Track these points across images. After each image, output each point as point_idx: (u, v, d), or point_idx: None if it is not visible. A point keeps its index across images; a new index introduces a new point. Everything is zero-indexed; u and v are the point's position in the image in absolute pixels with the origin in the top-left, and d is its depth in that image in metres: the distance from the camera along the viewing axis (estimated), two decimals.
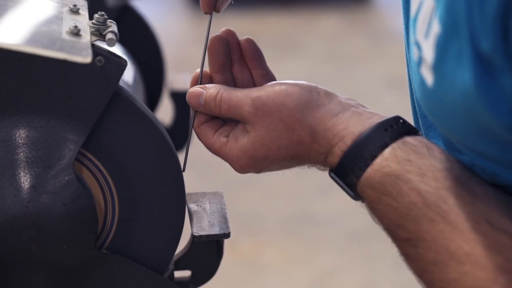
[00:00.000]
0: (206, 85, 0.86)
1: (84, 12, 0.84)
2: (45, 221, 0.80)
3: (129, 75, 1.21)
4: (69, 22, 0.78)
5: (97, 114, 0.80)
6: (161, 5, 5.63)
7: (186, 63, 3.10)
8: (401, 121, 0.77)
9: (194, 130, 0.87)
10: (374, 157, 0.75)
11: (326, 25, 5.29)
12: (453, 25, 0.64)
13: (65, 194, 0.80)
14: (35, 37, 0.75)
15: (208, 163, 1.60)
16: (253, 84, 0.88)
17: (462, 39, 0.63)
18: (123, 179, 0.83)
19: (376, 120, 0.78)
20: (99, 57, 0.78)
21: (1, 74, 0.78)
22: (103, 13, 0.81)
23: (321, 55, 4.74)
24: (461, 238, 0.69)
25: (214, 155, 0.87)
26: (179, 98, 1.37)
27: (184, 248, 0.91)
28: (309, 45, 4.91)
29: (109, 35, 0.79)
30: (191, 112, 0.87)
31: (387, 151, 0.75)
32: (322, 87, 0.82)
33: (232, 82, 0.88)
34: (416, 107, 0.83)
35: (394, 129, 0.76)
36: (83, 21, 0.81)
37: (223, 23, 0.92)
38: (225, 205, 0.93)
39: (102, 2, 1.34)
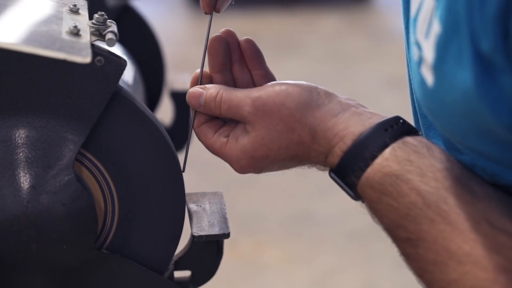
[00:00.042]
0: (206, 85, 0.86)
1: (84, 12, 0.84)
2: (45, 221, 0.80)
3: (129, 75, 1.21)
4: (69, 22, 0.78)
5: (97, 114, 0.80)
6: (161, 5, 5.63)
7: (186, 63, 3.10)
8: (401, 121, 0.77)
9: (194, 131, 0.87)
10: (374, 157, 0.75)
11: (326, 25, 5.29)
12: (454, 25, 0.64)
13: (65, 194, 0.80)
14: (34, 37, 0.74)
15: (208, 163, 1.60)
16: (253, 84, 0.88)
17: (463, 39, 0.63)
18: (123, 179, 0.83)
19: (376, 120, 0.78)
20: (98, 57, 0.78)
21: (1, 74, 0.78)
22: (103, 13, 0.81)
23: (321, 55, 4.74)
24: (461, 238, 0.69)
25: (214, 155, 0.87)
26: (179, 98, 1.37)
27: (184, 248, 0.91)
28: (309, 45, 4.91)
29: (109, 35, 0.79)
30: (191, 113, 0.87)
31: (387, 151, 0.75)
32: (322, 87, 0.82)
33: (232, 83, 0.88)
34: (416, 107, 0.83)
35: (394, 129, 0.76)
36: (83, 21, 0.81)
37: (223, 23, 0.92)
38: (225, 205, 0.93)
39: (102, 2, 1.34)
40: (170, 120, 1.38)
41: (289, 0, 5.71)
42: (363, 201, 0.78)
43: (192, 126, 0.87)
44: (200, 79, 0.87)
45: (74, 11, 0.83)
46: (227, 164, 0.85)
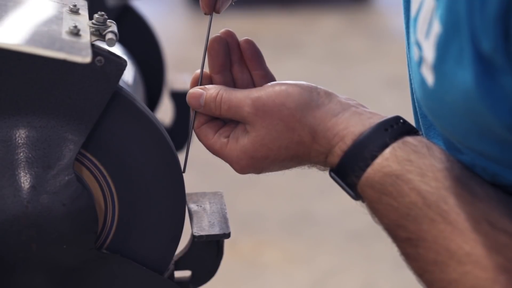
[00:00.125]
0: (206, 86, 0.86)
1: (84, 12, 0.84)
2: (45, 221, 0.80)
3: (129, 75, 1.21)
4: (69, 22, 0.78)
5: (97, 114, 0.80)
6: (161, 5, 5.63)
7: (186, 63, 3.10)
8: (401, 121, 0.77)
9: (194, 131, 0.87)
10: (374, 157, 0.75)
11: (326, 25, 5.29)
12: (454, 25, 0.64)
13: (65, 194, 0.80)
14: (35, 37, 0.74)
15: (208, 163, 1.60)
16: (253, 84, 0.88)
17: (463, 39, 0.63)
18: (123, 179, 0.83)
19: (376, 120, 0.78)
20: (99, 57, 0.78)
21: (1, 74, 0.78)
22: (103, 13, 0.81)
23: (321, 55, 4.74)
24: (461, 238, 0.69)
25: (214, 155, 0.87)
26: (179, 98, 1.37)
27: (184, 248, 0.91)
28: (309, 45, 4.91)
29: (109, 35, 0.79)
30: (191, 113, 0.87)
31: (387, 151, 0.75)
32: (322, 87, 0.82)
33: (232, 83, 0.88)
34: (417, 107, 0.83)
35: (394, 129, 0.76)
36: (83, 21, 0.81)
37: (223, 23, 0.92)
38: (225, 205, 0.93)
39: (102, 2, 1.34)
40: (170, 120, 1.38)
41: (289, 0, 5.71)
42: (363, 201, 0.78)
43: (192, 127, 0.87)
44: (200, 80, 0.87)
45: (74, 11, 0.83)
46: (227, 164, 0.85)
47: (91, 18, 0.81)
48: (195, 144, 0.91)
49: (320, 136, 0.79)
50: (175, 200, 0.86)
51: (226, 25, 0.90)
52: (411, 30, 0.73)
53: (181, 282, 0.91)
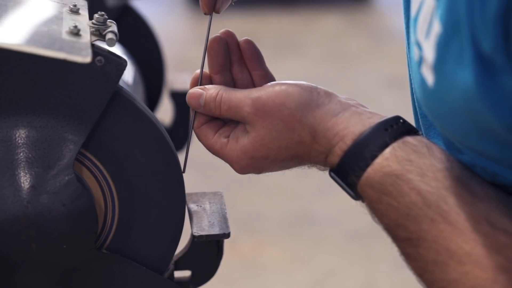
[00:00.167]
0: (206, 86, 0.86)
1: (84, 12, 0.84)
2: (45, 221, 0.80)
3: (129, 75, 1.21)
4: (69, 22, 0.78)
5: (97, 114, 0.80)
6: (161, 5, 5.63)
7: (186, 63, 3.10)
8: (401, 121, 0.77)
9: (194, 131, 0.87)
10: (374, 156, 0.75)
11: (326, 25, 5.29)
12: (454, 25, 0.64)
13: (65, 194, 0.80)
14: (35, 37, 0.74)
15: (208, 163, 1.60)
16: (253, 84, 0.88)
17: (463, 39, 0.63)
18: (123, 179, 0.83)
19: (376, 120, 0.78)
20: (99, 57, 0.78)
21: (1, 74, 0.78)
22: (103, 13, 0.81)
23: (321, 55, 4.74)
24: (461, 238, 0.69)
25: (214, 155, 0.87)
26: (179, 98, 1.37)
27: (184, 248, 0.91)
28: (309, 45, 4.91)
29: (109, 35, 0.79)
30: (191, 113, 0.87)
31: (387, 150, 0.75)
32: (322, 87, 0.82)
33: (232, 83, 0.88)
34: (417, 107, 0.83)
35: (394, 129, 0.76)
36: (83, 21, 0.81)
37: (223, 23, 0.92)
38: (225, 205, 0.93)
39: (102, 2, 1.34)
40: (170, 120, 1.38)
41: (289, 0, 5.71)
42: (363, 201, 0.78)
43: (192, 127, 0.87)
44: (200, 80, 0.87)
45: (74, 11, 0.83)
46: (227, 164, 0.85)
47: (91, 18, 0.81)
48: (195, 144, 0.91)
49: (320, 136, 0.79)
50: (175, 200, 0.86)
51: (226, 25, 0.91)
52: (411, 30, 0.73)
53: (181, 282, 0.91)
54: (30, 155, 0.79)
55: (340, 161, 0.78)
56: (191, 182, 0.95)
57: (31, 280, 0.82)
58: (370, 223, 0.80)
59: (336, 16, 5.44)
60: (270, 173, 0.85)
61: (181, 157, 0.88)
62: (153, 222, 0.85)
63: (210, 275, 0.92)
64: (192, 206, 0.92)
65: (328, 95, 0.81)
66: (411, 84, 0.84)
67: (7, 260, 0.81)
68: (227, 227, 0.88)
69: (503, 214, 0.69)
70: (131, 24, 1.41)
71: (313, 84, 0.82)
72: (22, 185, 0.79)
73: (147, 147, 0.84)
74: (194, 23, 5.35)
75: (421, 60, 0.69)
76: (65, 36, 0.75)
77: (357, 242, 2.80)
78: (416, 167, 0.73)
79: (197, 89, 0.86)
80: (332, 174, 0.79)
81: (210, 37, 0.88)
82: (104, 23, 0.80)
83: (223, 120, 0.86)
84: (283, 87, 0.81)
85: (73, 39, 0.75)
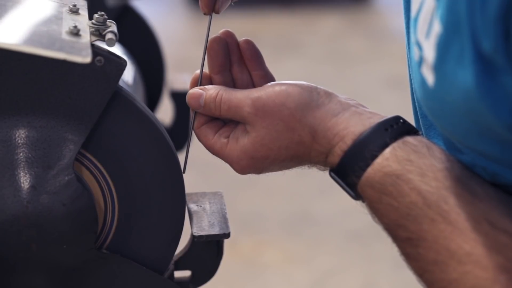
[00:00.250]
0: (206, 86, 0.86)
1: (84, 12, 0.84)
2: (45, 221, 0.80)
3: (129, 75, 1.21)
4: (68, 22, 0.78)
5: (97, 114, 0.80)
6: (161, 5, 5.64)
7: (186, 63, 3.10)
8: (401, 121, 0.77)
9: (194, 132, 0.87)
10: (374, 156, 0.75)
11: (326, 25, 5.30)
12: (454, 25, 0.64)
13: (65, 194, 0.80)
14: (35, 37, 0.74)
15: (208, 163, 1.60)
16: (252, 85, 0.88)
17: (464, 39, 0.63)
18: (123, 179, 0.83)
19: (376, 120, 0.78)
20: (98, 57, 0.78)
21: (1, 74, 0.78)
22: (103, 13, 0.81)
23: (321, 55, 4.74)
24: (461, 237, 0.69)
25: (214, 155, 0.87)
26: (179, 98, 1.37)
27: (184, 248, 0.91)
28: (309, 45, 4.91)
29: (109, 35, 0.79)
30: (191, 114, 0.87)
31: (388, 150, 0.75)
32: (322, 87, 0.82)
33: (232, 83, 0.88)
34: (417, 107, 0.83)
35: (394, 129, 0.76)
36: (83, 21, 0.81)
37: (223, 23, 0.92)
38: (225, 205, 0.93)
39: (102, 2, 1.34)
40: (170, 120, 1.38)
41: (289, 0, 5.71)
42: (363, 201, 0.78)
43: (192, 127, 0.87)
44: (200, 80, 0.87)
45: (74, 11, 0.83)
46: (227, 165, 0.85)
47: (91, 18, 0.81)
48: (195, 144, 0.91)
49: (320, 136, 0.79)
50: (175, 200, 0.86)
51: (226, 25, 0.91)
52: (412, 30, 0.73)
53: (181, 282, 0.91)
54: (30, 155, 0.79)
55: (340, 161, 0.78)
56: (191, 182, 0.95)
57: (31, 280, 0.82)
58: (370, 223, 0.80)
59: (336, 16, 5.44)
60: (270, 173, 0.85)
61: (181, 157, 0.88)
62: (153, 222, 0.85)
63: (210, 275, 0.92)
64: (192, 206, 0.92)
65: (328, 95, 0.81)
66: (411, 84, 0.84)
67: (7, 260, 0.81)
68: (227, 227, 0.88)
69: (503, 214, 0.69)
70: (131, 24, 1.41)
71: (313, 84, 0.82)
72: (22, 185, 0.79)
73: (147, 147, 0.83)
74: (194, 23, 5.35)
75: (421, 60, 0.69)
76: (65, 36, 0.75)
77: (357, 242, 2.80)
78: (416, 167, 0.73)
79: (197, 90, 0.86)
80: (332, 174, 0.79)
81: (210, 38, 0.87)
82: (104, 23, 0.80)
83: (223, 121, 0.86)
84: (283, 87, 0.81)
85: (73, 39, 0.75)
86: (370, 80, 4.30)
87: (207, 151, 0.87)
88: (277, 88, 0.81)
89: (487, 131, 0.66)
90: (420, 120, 0.82)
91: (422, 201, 0.71)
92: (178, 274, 0.91)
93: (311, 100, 0.80)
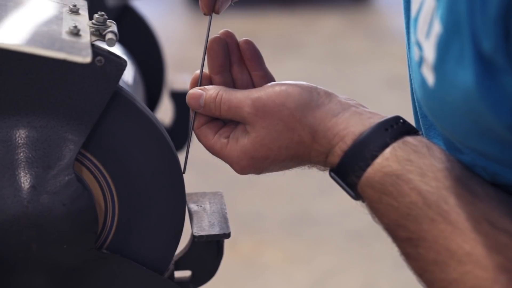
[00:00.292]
0: (206, 86, 0.86)
1: (84, 12, 0.84)
2: (45, 221, 0.80)
3: (129, 75, 1.21)
4: (69, 22, 0.78)
5: (97, 114, 0.80)
6: (161, 5, 5.63)
7: (186, 63, 3.10)
8: (401, 121, 0.77)
9: (194, 132, 0.87)
10: (374, 156, 0.75)
11: (326, 25, 5.30)
12: (455, 25, 0.64)
13: (65, 194, 0.80)
14: (35, 37, 0.75)
15: (208, 163, 1.60)
16: (252, 85, 0.88)
17: (464, 39, 0.63)
18: (123, 179, 0.83)
19: (376, 120, 0.78)
20: (99, 57, 0.78)
21: (1, 74, 0.78)
22: (103, 13, 0.81)
23: (321, 55, 4.74)
24: (461, 237, 0.69)
25: (214, 156, 0.87)
26: (179, 98, 1.37)
27: (184, 248, 0.91)
28: (309, 45, 4.91)
29: (109, 35, 0.79)
30: (191, 114, 0.87)
31: (388, 150, 0.75)
32: (322, 87, 0.82)
33: (232, 83, 0.88)
34: (417, 107, 0.83)
35: (394, 129, 0.76)
36: (83, 21, 0.81)
37: (223, 23, 0.92)
38: (225, 205, 0.93)
39: (102, 2, 1.34)
40: (170, 120, 1.38)
41: (289, 0, 5.71)
42: (363, 201, 0.78)
43: (192, 128, 0.87)
44: (200, 80, 0.87)
45: (74, 11, 0.83)
46: (227, 165, 0.85)
47: (91, 18, 0.81)
48: (195, 144, 0.91)
49: (320, 136, 0.79)
50: (175, 200, 0.86)
51: (226, 26, 0.91)
52: (412, 30, 0.73)
53: (181, 282, 0.91)
54: (30, 155, 0.79)
55: (340, 161, 0.78)
56: (191, 182, 0.95)
57: (31, 280, 0.82)
58: (370, 223, 0.80)
59: (336, 16, 5.44)
60: (270, 173, 0.85)
61: (181, 157, 0.88)
62: (153, 222, 0.85)
63: (210, 275, 0.92)
64: (192, 206, 0.92)
65: (328, 95, 0.81)
66: (411, 84, 0.84)
67: (7, 260, 0.81)
68: (227, 227, 0.88)
69: (504, 214, 0.69)
70: (131, 24, 1.41)
71: (313, 84, 0.82)
72: (22, 185, 0.79)
73: (147, 147, 0.83)
74: (194, 23, 5.35)
75: (421, 60, 0.69)
76: (65, 36, 0.75)
77: (357, 242, 2.80)
78: (416, 167, 0.73)
79: (197, 90, 0.86)
80: (332, 174, 0.79)
81: (209, 38, 0.88)
82: (104, 23, 0.80)
83: (223, 121, 0.86)
84: (283, 88, 0.81)
85: (73, 39, 0.75)
86: (370, 80, 4.30)
87: (207, 151, 0.87)
88: (277, 88, 0.82)
89: (487, 131, 0.66)
90: (420, 120, 0.82)
91: (422, 201, 0.71)
92: (178, 274, 0.91)
93: (311, 100, 0.80)
